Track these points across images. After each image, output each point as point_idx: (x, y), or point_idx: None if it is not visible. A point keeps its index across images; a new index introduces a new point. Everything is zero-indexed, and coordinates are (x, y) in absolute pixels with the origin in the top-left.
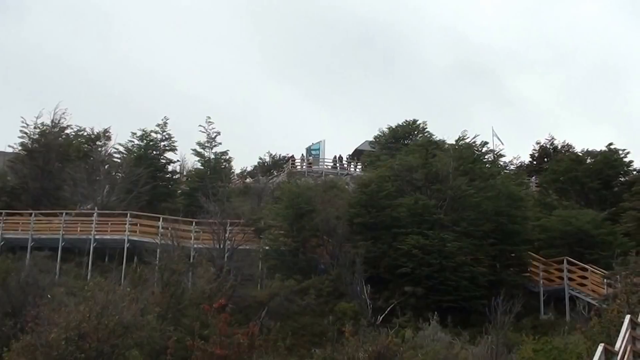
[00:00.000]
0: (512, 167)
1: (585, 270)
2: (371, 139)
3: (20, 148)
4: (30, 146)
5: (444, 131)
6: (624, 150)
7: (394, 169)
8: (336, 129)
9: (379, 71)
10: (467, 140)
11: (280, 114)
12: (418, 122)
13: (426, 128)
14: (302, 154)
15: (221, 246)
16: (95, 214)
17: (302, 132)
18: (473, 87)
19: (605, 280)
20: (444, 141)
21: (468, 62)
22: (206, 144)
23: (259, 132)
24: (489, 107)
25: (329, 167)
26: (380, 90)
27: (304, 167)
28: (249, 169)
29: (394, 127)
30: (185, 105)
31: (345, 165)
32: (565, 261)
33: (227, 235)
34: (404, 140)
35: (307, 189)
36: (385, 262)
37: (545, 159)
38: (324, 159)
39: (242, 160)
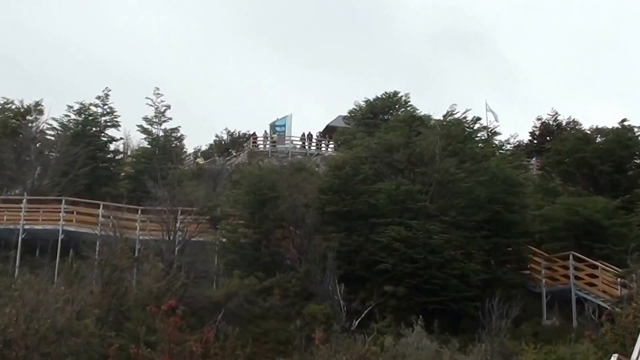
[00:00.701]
0: (509, 146)
1: (595, 267)
2: (345, 113)
3: None
4: None
5: (430, 105)
6: None
7: (372, 148)
8: (305, 103)
9: (355, 37)
10: (457, 116)
11: (241, 85)
12: (400, 95)
13: (409, 101)
14: (265, 131)
15: (171, 238)
16: (24, 200)
17: (266, 105)
18: (463, 56)
19: (618, 279)
20: (429, 117)
21: (458, 29)
22: (154, 119)
23: (215, 106)
24: (483, 79)
25: (297, 146)
26: (356, 59)
27: (267, 146)
28: (203, 148)
29: (371, 100)
30: (131, 78)
31: (316, 144)
32: (571, 257)
33: (177, 225)
34: (384, 115)
35: (271, 172)
36: (362, 258)
37: (548, 138)
38: (290, 136)
39: (196, 139)
